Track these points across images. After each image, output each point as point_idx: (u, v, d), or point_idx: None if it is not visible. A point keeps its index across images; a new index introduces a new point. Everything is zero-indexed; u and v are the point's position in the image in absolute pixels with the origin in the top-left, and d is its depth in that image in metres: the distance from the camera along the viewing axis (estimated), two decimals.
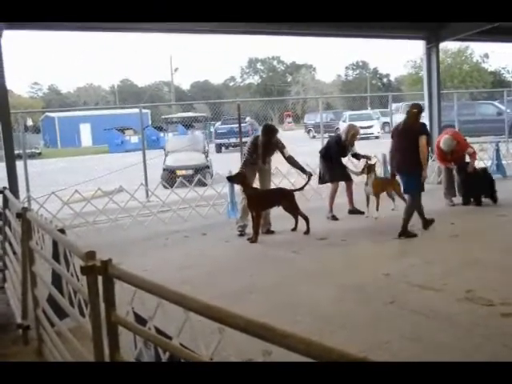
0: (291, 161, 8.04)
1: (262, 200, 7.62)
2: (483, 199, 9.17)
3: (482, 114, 23.21)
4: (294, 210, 7.87)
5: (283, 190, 8.10)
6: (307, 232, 7.67)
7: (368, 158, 8.87)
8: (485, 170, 10.00)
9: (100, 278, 2.24)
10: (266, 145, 7.88)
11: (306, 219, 7.75)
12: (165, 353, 2.22)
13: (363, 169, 8.63)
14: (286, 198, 7.80)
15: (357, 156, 9.03)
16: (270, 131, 7.97)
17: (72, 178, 11.58)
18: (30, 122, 33.87)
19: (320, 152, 9.12)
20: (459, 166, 9.18)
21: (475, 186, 9.05)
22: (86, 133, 44.90)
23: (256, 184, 8.14)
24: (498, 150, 12.36)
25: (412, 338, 4.01)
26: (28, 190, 9.42)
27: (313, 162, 10.12)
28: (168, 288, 1.91)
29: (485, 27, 10.08)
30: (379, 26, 10.25)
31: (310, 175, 8.08)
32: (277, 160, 8.40)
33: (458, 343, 3.86)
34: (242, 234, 7.86)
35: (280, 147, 7.95)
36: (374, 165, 8.80)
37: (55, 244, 3.68)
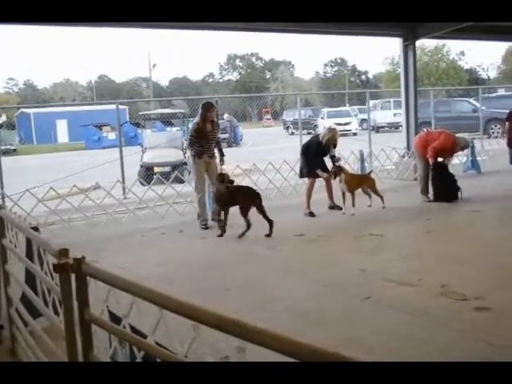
0: (218, 145, 8.25)
1: (224, 197, 7.45)
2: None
3: (457, 111, 23.56)
4: (261, 212, 7.41)
5: (246, 190, 7.68)
6: (269, 235, 7.30)
7: (337, 160, 8.80)
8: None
9: (73, 276, 2.21)
10: (209, 123, 7.94)
11: (271, 222, 7.36)
12: (139, 351, 2.19)
13: (330, 173, 8.65)
14: (250, 199, 7.40)
15: (332, 158, 8.87)
16: (211, 107, 8.02)
17: (47, 175, 11.40)
18: (4, 118, 33.32)
19: (302, 147, 9.16)
20: (438, 163, 9.15)
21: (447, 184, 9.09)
22: (62, 129, 44.27)
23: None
24: (473, 147, 12.51)
25: (388, 333, 4.04)
26: (2, 187, 9.25)
27: (291, 159, 10.17)
28: (141, 285, 1.88)
29: (461, 25, 10.19)
30: (357, 22, 10.30)
31: (222, 163, 8.13)
32: (258, 158, 8.39)
33: (433, 338, 3.91)
34: (206, 228, 8.05)
35: (219, 129, 8.25)
36: (340, 166, 8.77)
37: (29, 242, 3.63)
